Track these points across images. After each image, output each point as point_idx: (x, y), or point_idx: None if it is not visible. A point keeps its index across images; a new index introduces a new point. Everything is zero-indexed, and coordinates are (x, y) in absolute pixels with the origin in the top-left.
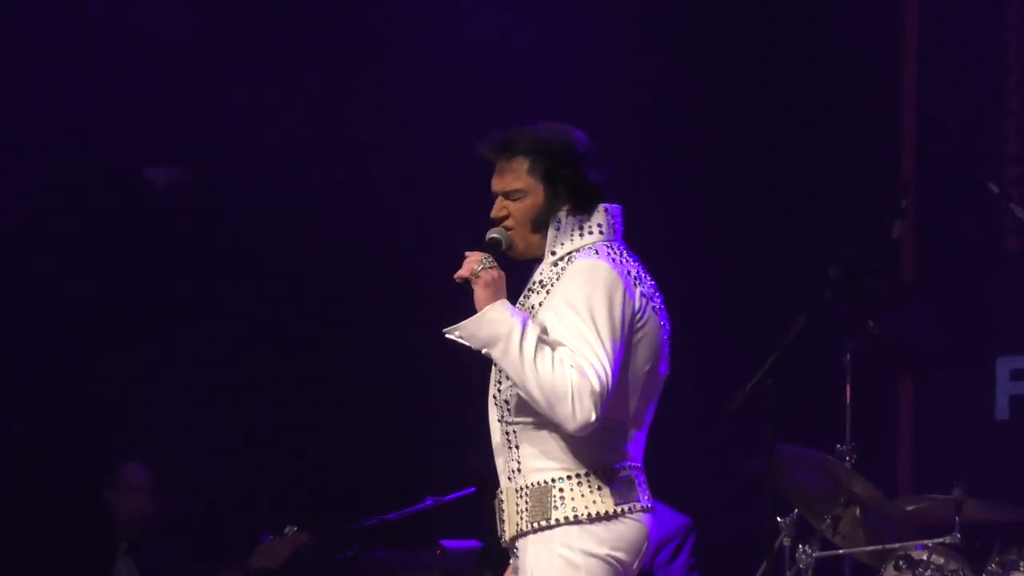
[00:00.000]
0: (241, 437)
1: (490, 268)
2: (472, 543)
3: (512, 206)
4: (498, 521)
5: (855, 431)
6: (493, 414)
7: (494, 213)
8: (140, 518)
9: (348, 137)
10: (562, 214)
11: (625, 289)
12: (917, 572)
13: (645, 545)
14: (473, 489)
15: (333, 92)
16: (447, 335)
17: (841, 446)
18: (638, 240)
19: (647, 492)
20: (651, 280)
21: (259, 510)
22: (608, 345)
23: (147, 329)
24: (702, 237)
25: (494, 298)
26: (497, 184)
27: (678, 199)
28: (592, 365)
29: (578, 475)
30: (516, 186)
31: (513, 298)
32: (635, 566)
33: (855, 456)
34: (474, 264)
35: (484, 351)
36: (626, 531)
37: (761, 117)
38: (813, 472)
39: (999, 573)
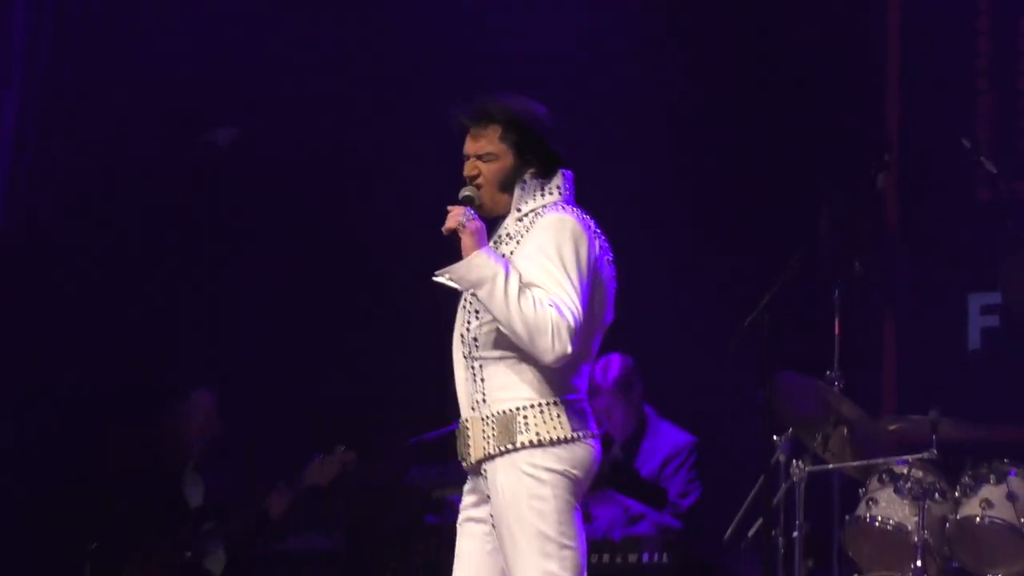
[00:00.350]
0: (290, 365)
1: (473, 219)
2: None
3: (483, 167)
4: (462, 447)
5: (843, 359)
6: (459, 351)
7: (467, 172)
8: (206, 438)
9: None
10: (527, 177)
11: (588, 240)
12: (898, 485)
13: (594, 465)
14: None
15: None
16: (436, 278)
17: (831, 372)
18: (657, 195)
19: (594, 421)
20: (604, 237)
21: (310, 432)
22: (577, 287)
23: (200, 266)
24: (711, 194)
25: (479, 245)
26: (471, 147)
27: (691, 157)
28: (566, 304)
29: (540, 404)
30: (489, 150)
31: None
32: (586, 484)
33: (843, 381)
34: (459, 216)
35: (471, 291)
36: (580, 453)
37: (764, 87)
38: (806, 396)
39: (971, 486)
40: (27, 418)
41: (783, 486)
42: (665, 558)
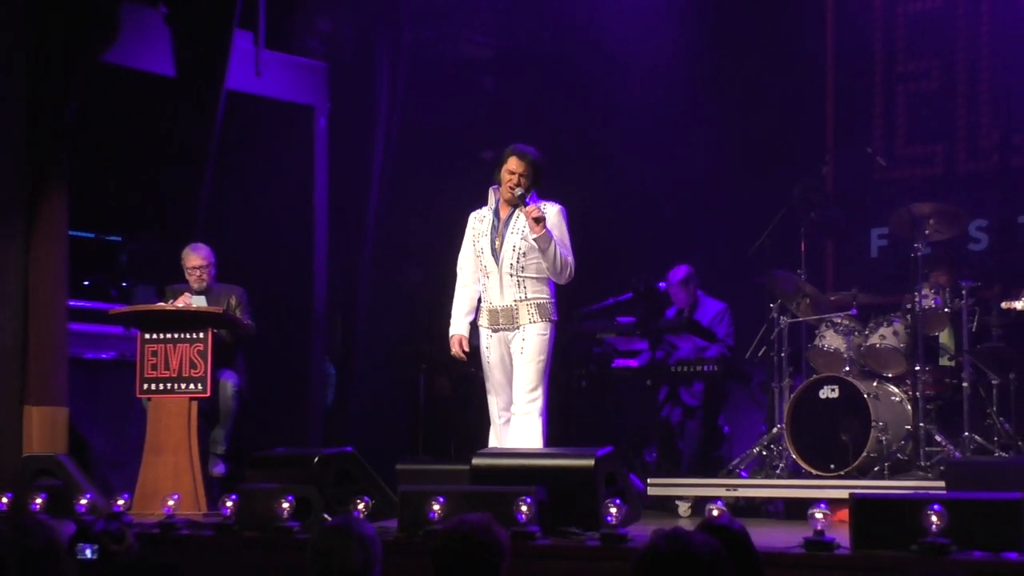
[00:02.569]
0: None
1: (539, 210)
2: (630, 319)
3: (522, 180)
4: (500, 317)
5: (807, 263)
6: (505, 270)
7: (513, 182)
8: None
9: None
10: (533, 188)
11: None
12: (836, 328)
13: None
14: (631, 294)
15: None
16: (529, 236)
17: (799, 270)
18: (714, 191)
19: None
20: None
21: None
22: (571, 248)
23: None
24: (729, 168)
25: (545, 227)
26: (516, 167)
27: (738, 146)
28: (571, 258)
29: (552, 301)
30: (524, 172)
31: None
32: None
33: (806, 274)
34: (534, 211)
35: (541, 247)
36: (555, 328)
37: (767, 123)
38: (787, 282)
39: (874, 328)
40: (390, 307)
41: (776, 329)
42: (716, 367)
